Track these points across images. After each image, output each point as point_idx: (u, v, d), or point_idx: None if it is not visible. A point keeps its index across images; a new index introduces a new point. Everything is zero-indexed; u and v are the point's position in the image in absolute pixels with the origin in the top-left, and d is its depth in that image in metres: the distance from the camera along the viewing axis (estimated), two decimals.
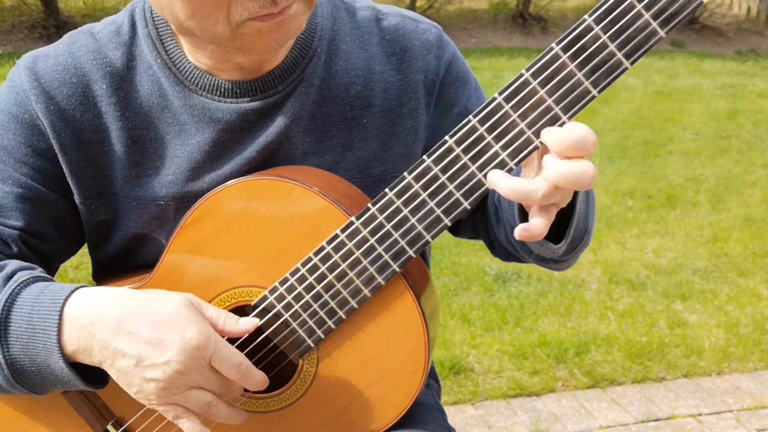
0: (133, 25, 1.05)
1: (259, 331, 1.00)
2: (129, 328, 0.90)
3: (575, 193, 0.94)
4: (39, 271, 1.00)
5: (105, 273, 1.14)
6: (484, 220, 1.16)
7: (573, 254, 1.00)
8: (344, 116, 1.06)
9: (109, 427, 1.05)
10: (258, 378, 0.95)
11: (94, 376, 0.96)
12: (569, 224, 0.95)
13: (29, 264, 1.01)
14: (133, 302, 0.92)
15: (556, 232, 0.98)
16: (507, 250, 1.13)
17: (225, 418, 0.96)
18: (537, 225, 0.85)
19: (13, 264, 0.99)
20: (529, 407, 2.62)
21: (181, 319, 0.90)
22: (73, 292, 0.93)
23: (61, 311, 0.91)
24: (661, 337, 3.04)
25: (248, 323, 0.96)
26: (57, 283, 0.96)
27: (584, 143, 0.81)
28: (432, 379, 1.31)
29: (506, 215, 1.03)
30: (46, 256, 1.09)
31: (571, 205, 0.95)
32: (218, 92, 1.03)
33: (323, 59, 1.06)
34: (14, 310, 0.93)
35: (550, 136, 0.83)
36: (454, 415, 2.57)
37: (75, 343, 0.91)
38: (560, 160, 0.82)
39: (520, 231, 0.85)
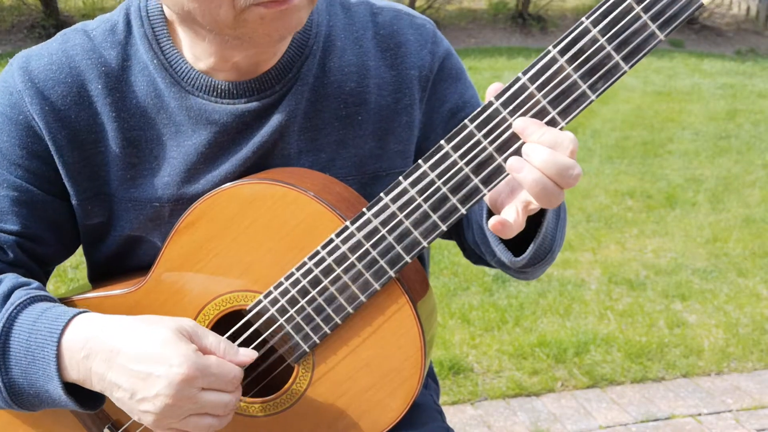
0: (128, 24, 1.04)
1: (255, 335, 0.99)
2: (120, 361, 0.90)
3: (543, 210, 0.94)
4: (35, 287, 1.00)
5: (100, 274, 1.14)
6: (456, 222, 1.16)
7: (533, 269, 1.01)
8: (338, 114, 1.06)
9: (106, 430, 1.05)
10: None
11: (90, 399, 0.96)
12: (534, 238, 0.96)
13: (25, 279, 1.01)
14: (124, 333, 0.91)
15: (519, 245, 0.99)
16: (475, 253, 1.13)
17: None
18: (511, 220, 0.86)
19: (8, 281, 0.98)
20: (529, 407, 2.62)
21: (168, 350, 0.89)
22: (68, 322, 0.93)
23: (59, 342, 0.92)
24: (661, 337, 3.03)
25: (248, 354, 0.95)
26: (53, 307, 0.96)
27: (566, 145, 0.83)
28: (431, 380, 1.30)
29: (475, 215, 1.03)
30: (43, 258, 1.08)
31: (538, 221, 0.95)
32: (215, 93, 1.02)
33: (318, 57, 1.05)
34: (13, 335, 0.93)
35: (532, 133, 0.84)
36: (453, 415, 2.57)
37: (75, 375, 0.92)
38: (546, 147, 0.83)
39: (494, 223, 0.85)
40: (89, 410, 0.97)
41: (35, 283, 1.01)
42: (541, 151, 0.82)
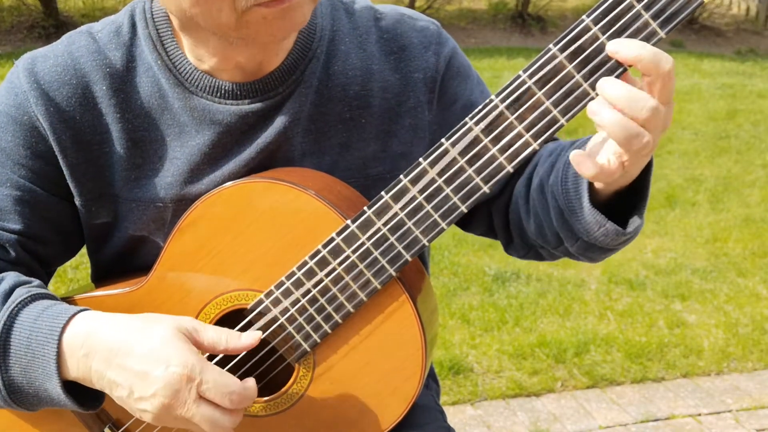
0: (133, 25, 1.04)
1: None
2: (119, 360, 0.90)
3: (645, 174, 0.92)
4: (36, 285, 1.00)
5: (104, 275, 1.14)
6: (503, 215, 1.12)
7: (625, 242, 0.96)
8: (342, 117, 1.06)
9: (107, 429, 1.05)
10: (252, 399, 0.92)
11: (89, 398, 0.96)
12: (640, 202, 0.93)
13: (26, 278, 1.01)
14: (123, 332, 0.91)
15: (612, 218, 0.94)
16: (529, 245, 1.09)
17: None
18: (604, 162, 0.84)
19: (10, 278, 0.99)
20: (529, 407, 2.62)
21: (167, 350, 0.88)
22: (69, 320, 0.93)
23: (59, 340, 0.92)
24: (661, 337, 3.03)
25: (251, 337, 0.94)
26: (54, 305, 0.96)
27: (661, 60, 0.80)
28: (431, 380, 1.30)
29: (555, 190, 0.97)
30: (45, 258, 1.08)
31: (641, 184, 0.93)
32: (218, 94, 1.02)
33: (322, 60, 1.06)
34: (13, 333, 0.93)
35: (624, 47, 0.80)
36: (453, 415, 2.57)
37: (75, 373, 0.92)
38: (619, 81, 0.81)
39: (580, 159, 0.84)
40: (88, 410, 0.97)
41: (36, 282, 1.01)
42: (612, 84, 0.80)
